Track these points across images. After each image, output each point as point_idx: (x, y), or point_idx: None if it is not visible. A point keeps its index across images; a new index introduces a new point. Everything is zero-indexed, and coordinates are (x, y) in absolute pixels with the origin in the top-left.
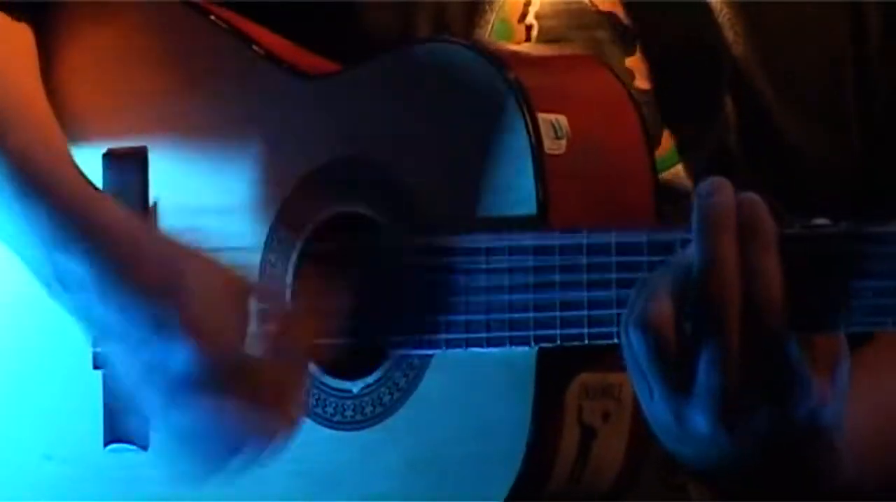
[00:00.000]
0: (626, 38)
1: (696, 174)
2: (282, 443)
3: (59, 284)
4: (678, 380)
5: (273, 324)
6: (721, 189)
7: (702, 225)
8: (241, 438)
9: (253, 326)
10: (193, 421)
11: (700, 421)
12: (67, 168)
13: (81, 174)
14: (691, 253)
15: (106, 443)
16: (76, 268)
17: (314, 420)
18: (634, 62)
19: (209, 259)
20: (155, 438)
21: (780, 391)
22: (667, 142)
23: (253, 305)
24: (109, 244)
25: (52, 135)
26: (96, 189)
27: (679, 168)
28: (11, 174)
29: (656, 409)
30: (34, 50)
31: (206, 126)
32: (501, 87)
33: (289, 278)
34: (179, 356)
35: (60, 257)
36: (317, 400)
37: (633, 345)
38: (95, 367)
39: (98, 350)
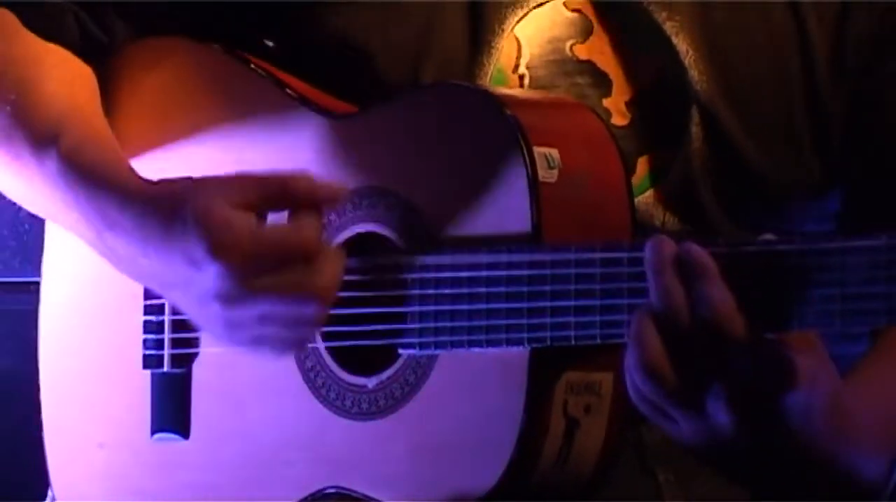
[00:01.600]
0: (603, 83)
1: (668, 197)
2: (321, 321)
3: (113, 256)
4: (691, 401)
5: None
6: (661, 243)
7: (649, 270)
8: (297, 317)
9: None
10: (254, 323)
11: (722, 417)
12: (113, 158)
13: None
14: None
15: (152, 433)
16: (124, 242)
17: (334, 411)
18: (611, 102)
19: (210, 180)
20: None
21: (772, 374)
22: (641, 170)
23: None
24: (137, 207)
25: (102, 136)
26: (141, 179)
27: (650, 193)
28: (62, 168)
29: (687, 431)
30: (94, 81)
31: (245, 158)
32: (502, 124)
33: None
34: (214, 278)
35: (109, 235)
36: (336, 394)
37: (642, 388)
38: (144, 367)
39: (150, 352)
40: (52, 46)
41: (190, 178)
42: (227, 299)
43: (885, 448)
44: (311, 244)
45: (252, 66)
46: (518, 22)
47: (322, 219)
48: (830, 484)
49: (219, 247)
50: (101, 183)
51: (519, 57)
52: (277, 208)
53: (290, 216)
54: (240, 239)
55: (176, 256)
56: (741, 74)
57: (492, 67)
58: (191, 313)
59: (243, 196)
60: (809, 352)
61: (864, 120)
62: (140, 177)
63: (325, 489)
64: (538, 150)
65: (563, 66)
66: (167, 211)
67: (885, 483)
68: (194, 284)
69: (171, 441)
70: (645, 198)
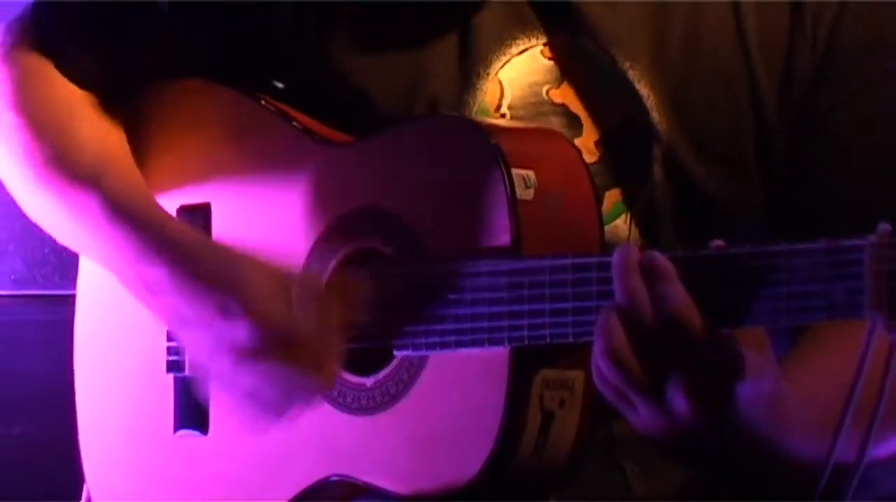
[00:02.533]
0: (575, 124)
1: (635, 225)
2: (321, 394)
3: (143, 288)
4: (651, 387)
5: (312, 304)
6: (627, 250)
7: (616, 273)
8: (290, 392)
9: (296, 307)
10: (254, 381)
11: (680, 403)
12: (148, 199)
13: (158, 205)
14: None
15: (175, 429)
16: (156, 273)
17: (336, 407)
18: (581, 142)
19: (258, 259)
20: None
21: (726, 365)
22: (609, 202)
23: (294, 291)
24: (180, 252)
25: (136, 177)
26: (169, 215)
27: (619, 221)
28: (104, 205)
29: (645, 416)
30: (121, 121)
31: (256, 184)
32: (485, 148)
33: None
34: (240, 331)
35: (143, 267)
36: (339, 392)
37: (607, 374)
38: (168, 371)
39: (173, 358)
40: (82, 92)
41: (239, 253)
42: (241, 353)
43: (812, 435)
44: (327, 336)
45: (263, 103)
46: (501, 67)
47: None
48: (769, 467)
49: (254, 311)
50: (137, 224)
51: (501, 98)
52: (307, 299)
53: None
54: (274, 312)
55: (207, 301)
56: (697, 115)
57: (476, 107)
58: (198, 353)
59: (280, 279)
60: (759, 349)
61: (804, 153)
62: (173, 218)
63: (329, 477)
64: (516, 172)
65: (540, 108)
66: (210, 262)
67: (820, 467)
68: (216, 330)
69: (192, 436)
70: (614, 226)
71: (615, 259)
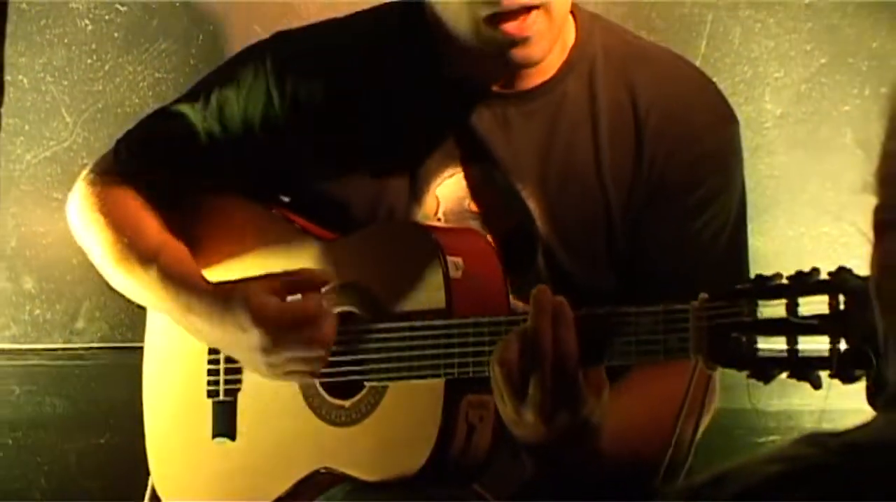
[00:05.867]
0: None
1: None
2: (326, 357)
3: (191, 328)
4: (519, 394)
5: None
6: (545, 291)
7: (533, 309)
8: (300, 366)
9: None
10: (284, 363)
11: (529, 416)
12: (192, 267)
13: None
14: (528, 326)
15: (213, 437)
16: (198, 319)
17: (324, 421)
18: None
19: (256, 281)
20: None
21: (571, 401)
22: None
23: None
24: (211, 299)
25: (184, 254)
26: (204, 276)
27: (512, 299)
28: (161, 274)
29: (506, 411)
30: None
31: (270, 266)
32: (429, 242)
33: None
34: (255, 338)
35: (190, 316)
36: (326, 410)
37: (496, 374)
38: (207, 397)
39: (211, 388)
40: (151, 204)
41: (238, 281)
42: (265, 351)
43: (623, 449)
44: (317, 312)
45: (273, 211)
46: (437, 187)
47: (320, 296)
48: (599, 473)
49: (258, 318)
50: (183, 286)
51: (438, 208)
52: (293, 293)
53: (302, 296)
54: (271, 312)
55: (230, 326)
56: (567, 223)
57: (420, 214)
58: (242, 360)
59: (271, 287)
60: (597, 393)
61: (638, 252)
62: (208, 281)
63: (319, 470)
64: (450, 259)
65: (463, 215)
66: (225, 299)
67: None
68: (243, 342)
69: (225, 442)
70: (512, 300)
71: (537, 294)
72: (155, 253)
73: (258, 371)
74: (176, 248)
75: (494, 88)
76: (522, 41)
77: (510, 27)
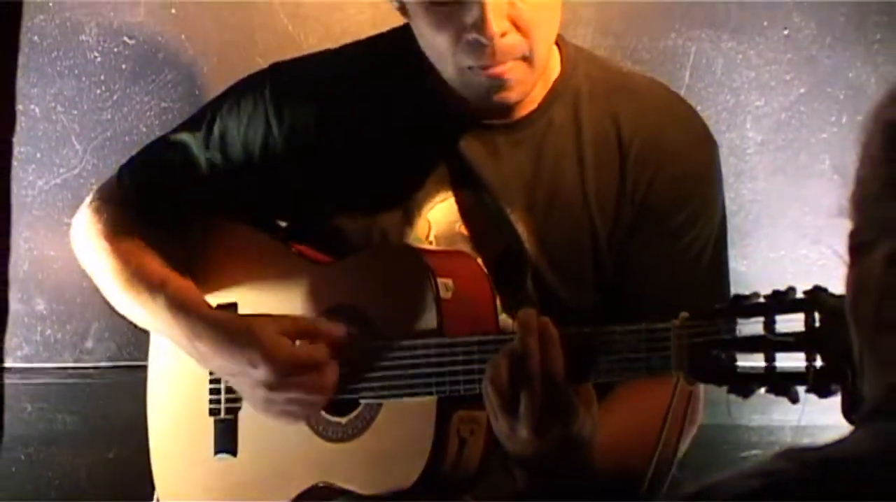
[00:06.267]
0: (475, 249)
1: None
2: (322, 405)
3: (196, 354)
4: (511, 410)
5: (309, 341)
6: (531, 314)
7: (521, 330)
8: (297, 408)
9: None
10: (282, 403)
11: (523, 431)
12: (198, 297)
13: (204, 300)
14: (516, 346)
15: (215, 453)
16: (205, 345)
17: (322, 438)
18: (481, 260)
19: (267, 316)
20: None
21: (563, 414)
22: (497, 304)
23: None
24: (219, 328)
25: (188, 284)
26: (210, 306)
27: (503, 317)
28: (168, 303)
29: (499, 428)
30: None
31: (268, 290)
32: (420, 264)
33: None
34: (264, 374)
35: (197, 342)
36: (324, 427)
37: (488, 393)
38: (209, 415)
39: (213, 406)
40: (155, 231)
41: (253, 316)
42: (269, 387)
43: (610, 464)
44: (323, 361)
45: (271, 236)
46: (429, 211)
47: (328, 346)
48: (588, 485)
49: (269, 357)
50: (191, 314)
51: (430, 231)
52: (303, 337)
53: (311, 342)
54: (282, 354)
55: (238, 357)
56: (554, 246)
57: (412, 236)
58: (242, 392)
59: (283, 329)
60: (587, 406)
61: (623, 272)
62: (215, 310)
63: (317, 483)
64: (440, 280)
65: (454, 238)
66: (237, 332)
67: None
68: (249, 375)
69: (226, 458)
70: (502, 319)
71: (523, 316)
72: (162, 281)
73: (255, 405)
74: (182, 277)
75: (483, 119)
76: (501, 85)
77: (490, 72)
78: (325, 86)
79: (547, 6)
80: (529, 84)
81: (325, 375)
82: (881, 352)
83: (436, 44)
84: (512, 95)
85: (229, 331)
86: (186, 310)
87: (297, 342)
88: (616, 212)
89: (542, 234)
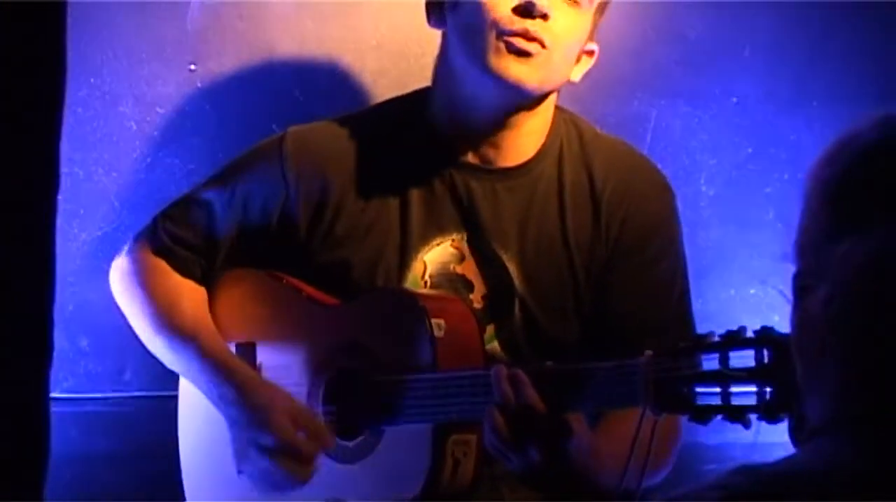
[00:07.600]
0: (469, 287)
1: (503, 347)
2: (307, 478)
3: (218, 400)
4: (518, 448)
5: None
6: (500, 368)
7: (494, 384)
8: (290, 475)
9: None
10: (270, 466)
11: (534, 454)
12: (226, 351)
13: (231, 352)
14: (496, 396)
15: (238, 473)
16: (225, 393)
17: (332, 459)
18: (473, 297)
19: (285, 393)
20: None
21: (561, 433)
22: (489, 331)
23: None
24: (241, 384)
25: (217, 335)
26: (236, 359)
27: (494, 344)
28: (199, 354)
29: (515, 464)
30: (206, 297)
31: (282, 331)
32: (416, 307)
33: (320, 395)
34: (267, 438)
35: (220, 389)
36: (333, 450)
37: (492, 441)
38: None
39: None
40: (184, 280)
41: (273, 390)
42: (264, 450)
43: (607, 469)
44: (311, 457)
45: (284, 282)
46: (425, 253)
47: (319, 445)
48: (588, 487)
49: (276, 427)
50: (218, 368)
51: (425, 272)
52: (305, 429)
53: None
54: (287, 430)
55: (253, 415)
56: (540, 282)
57: (410, 277)
58: (237, 438)
59: (291, 414)
60: (577, 420)
61: (601, 305)
62: (239, 363)
63: (327, 500)
64: (434, 321)
65: (449, 278)
66: (257, 399)
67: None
68: (254, 432)
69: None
70: (492, 348)
71: (494, 374)
72: (193, 330)
73: (247, 455)
74: (209, 329)
75: (484, 166)
76: (523, 55)
77: (516, 40)
78: (337, 149)
79: (573, 39)
80: (542, 77)
81: (309, 468)
82: (821, 381)
83: (478, 22)
84: (529, 74)
85: (251, 387)
86: (215, 365)
87: (299, 433)
88: (591, 247)
89: (530, 272)
